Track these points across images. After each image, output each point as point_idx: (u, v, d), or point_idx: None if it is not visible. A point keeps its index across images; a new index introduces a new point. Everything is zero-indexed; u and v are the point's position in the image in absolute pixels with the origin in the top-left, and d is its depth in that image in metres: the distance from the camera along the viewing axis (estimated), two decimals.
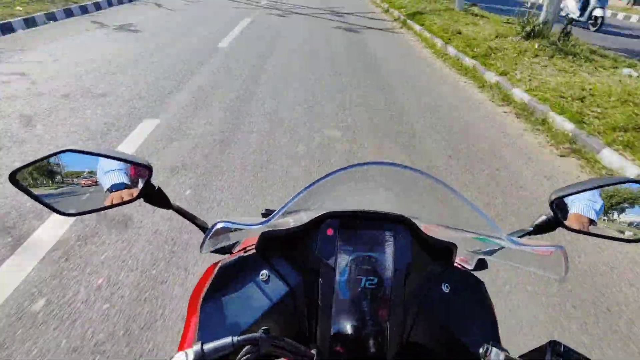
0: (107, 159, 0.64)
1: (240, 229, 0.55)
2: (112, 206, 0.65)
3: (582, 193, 0.67)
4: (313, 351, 0.54)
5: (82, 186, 0.64)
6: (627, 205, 0.69)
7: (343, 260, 0.61)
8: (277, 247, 0.66)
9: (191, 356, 0.46)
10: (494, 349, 0.47)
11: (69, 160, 0.63)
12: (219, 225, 0.52)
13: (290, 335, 0.56)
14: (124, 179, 0.66)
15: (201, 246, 0.55)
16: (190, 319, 0.66)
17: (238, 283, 0.65)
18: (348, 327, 0.60)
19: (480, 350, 0.48)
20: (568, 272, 0.50)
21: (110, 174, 0.65)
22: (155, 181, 0.67)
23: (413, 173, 0.53)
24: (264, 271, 0.65)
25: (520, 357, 0.47)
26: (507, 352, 0.48)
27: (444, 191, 0.53)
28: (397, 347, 0.61)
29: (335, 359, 0.61)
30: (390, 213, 0.63)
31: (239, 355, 0.48)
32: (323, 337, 0.61)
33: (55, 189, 0.64)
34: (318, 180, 0.52)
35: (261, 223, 0.54)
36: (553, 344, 0.44)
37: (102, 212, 0.66)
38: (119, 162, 0.64)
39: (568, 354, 0.43)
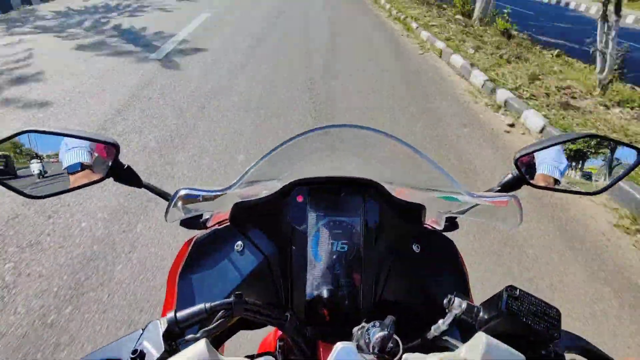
0: (70, 139, 0.63)
1: (206, 197, 0.55)
2: (79, 187, 0.65)
3: (547, 152, 0.69)
4: (287, 313, 0.56)
5: (46, 168, 0.63)
6: (588, 159, 0.71)
7: (314, 225, 0.63)
8: (250, 217, 0.66)
9: (165, 324, 0.48)
10: (457, 299, 0.50)
11: (31, 140, 0.62)
12: (182, 192, 0.52)
13: (267, 302, 0.58)
14: (87, 159, 0.65)
15: (166, 214, 0.55)
16: (169, 292, 0.67)
17: (214, 255, 0.66)
18: (322, 290, 0.62)
19: (445, 301, 0.50)
20: (522, 220, 0.53)
21: (73, 153, 0.64)
22: (123, 158, 0.67)
23: (376, 135, 0.53)
24: (239, 242, 0.66)
25: (481, 304, 0.49)
26: (470, 300, 0.50)
27: (408, 152, 0.54)
28: (370, 306, 0.63)
29: (311, 320, 0.63)
30: (358, 177, 0.64)
31: (213, 320, 0.49)
32: (298, 301, 0.62)
33: (20, 171, 0.63)
34: (282, 144, 0.52)
35: (225, 189, 0.54)
36: (509, 289, 0.46)
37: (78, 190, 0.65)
38: (82, 141, 0.63)
39: (523, 297, 0.46)
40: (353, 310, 0.63)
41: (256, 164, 0.53)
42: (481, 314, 0.48)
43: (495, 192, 0.71)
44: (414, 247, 0.67)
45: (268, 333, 1.05)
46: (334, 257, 0.63)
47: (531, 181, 0.70)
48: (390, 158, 0.61)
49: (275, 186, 0.66)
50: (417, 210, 0.67)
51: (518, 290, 0.46)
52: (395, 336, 0.44)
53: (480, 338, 0.42)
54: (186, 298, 0.62)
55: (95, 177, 0.66)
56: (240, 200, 0.66)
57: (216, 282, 0.63)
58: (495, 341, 0.42)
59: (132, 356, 0.43)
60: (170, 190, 0.74)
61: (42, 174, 0.63)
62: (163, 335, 0.46)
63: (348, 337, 0.66)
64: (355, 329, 0.54)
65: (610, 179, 0.68)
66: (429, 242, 0.69)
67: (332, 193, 0.64)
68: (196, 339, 0.47)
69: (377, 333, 0.45)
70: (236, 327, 0.67)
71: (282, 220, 0.65)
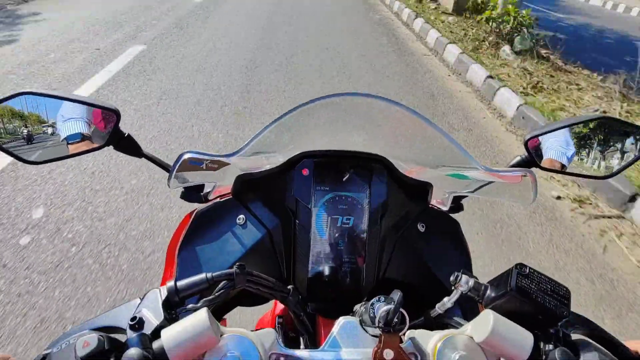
0: (70, 103, 0.61)
1: (211, 161, 0.54)
2: (77, 154, 0.63)
3: (555, 135, 0.68)
4: (290, 287, 0.55)
5: (45, 132, 0.62)
6: (598, 141, 0.70)
7: (319, 200, 0.61)
8: (253, 190, 0.65)
9: (164, 292, 0.46)
10: (464, 276, 0.49)
11: (29, 103, 0.60)
12: (186, 156, 0.50)
13: (269, 276, 0.57)
14: (86, 129, 0.63)
15: (168, 180, 0.54)
16: (169, 265, 0.66)
17: (215, 228, 0.65)
18: (325, 266, 0.61)
19: (451, 278, 0.49)
20: (537, 196, 0.51)
21: (73, 122, 0.62)
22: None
23: (388, 104, 0.52)
24: (241, 215, 0.64)
25: (488, 282, 0.48)
26: (477, 278, 0.49)
27: (420, 123, 0.52)
28: (372, 283, 0.62)
29: (313, 296, 0.62)
30: (366, 152, 0.63)
31: (215, 291, 0.48)
32: (301, 276, 0.61)
33: (16, 134, 0.61)
34: (288, 112, 0.50)
35: (231, 154, 0.53)
36: (519, 267, 0.45)
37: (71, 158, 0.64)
38: (83, 106, 0.61)
39: (532, 274, 0.45)
40: (355, 287, 0.62)
41: (261, 132, 0.52)
42: (488, 291, 0.47)
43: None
44: (419, 227, 0.66)
45: (265, 313, 1.04)
46: (338, 233, 0.61)
47: (540, 164, 0.69)
48: (400, 130, 0.60)
49: (278, 159, 0.64)
50: (424, 188, 0.65)
51: (528, 268, 0.45)
52: (402, 310, 0.43)
53: (488, 315, 0.41)
54: (186, 270, 0.61)
55: (94, 144, 0.64)
56: (243, 173, 0.64)
57: (217, 255, 0.62)
58: (502, 318, 0.41)
59: (131, 323, 0.42)
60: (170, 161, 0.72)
61: (40, 138, 0.61)
62: (163, 304, 0.45)
63: (349, 313, 0.65)
64: (357, 306, 0.53)
65: (621, 162, 0.67)
66: (435, 222, 0.67)
67: (339, 167, 0.63)
68: (196, 309, 0.46)
69: (382, 307, 0.44)
70: (235, 301, 0.67)
71: (286, 194, 0.63)
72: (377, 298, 0.48)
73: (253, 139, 0.52)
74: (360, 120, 0.61)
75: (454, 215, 0.73)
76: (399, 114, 0.53)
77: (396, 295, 0.44)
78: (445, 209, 0.71)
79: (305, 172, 0.61)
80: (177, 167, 0.51)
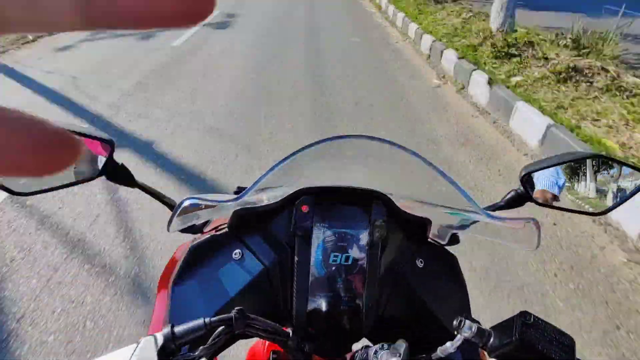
0: None
1: (211, 206, 0.53)
2: (69, 185, 0.61)
3: (547, 170, 0.69)
4: (289, 330, 0.53)
5: None
6: (591, 178, 0.71)
7: (318, 237, 0.60)
8: (250, 225, 0.64)
9: (161, 339, 0.44)
10: (467, 321, 0.48)
11: None
12: (186, 203, 0.49)
13: (265, 314, 0.55)
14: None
15: (168, 224, 0.52)
16: (160, 302, 0.64)
17: (210, 263, 0.63)
18: (324, 305, 0.59)
19: (454, 323, 0.49)
20: (540, 243, 0.51)
21: None
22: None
23: (389, 147, 0.51)
24: (237, 250, 0.63)
25: (491, 327, 0.47)
26: (479, 323, 0.48)
27: (421, 165, 0.52)
28: (373, 322, 0.61)
29: (312, 337, 0.61)
30: (365, 188, 0.62)
31: (212, 336, 0.47)
32: (299, 315, 0.60)
33: None
34: (292, 155, 0.49)
35: (233, 200, 0.52)
36: (523, 315, 0.45)
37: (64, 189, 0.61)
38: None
39: (537, 323, 0.44)
40: (354, 326, 0.60)
41: (264, 175, 0.51)
42: (492, 339, 0.46)
43: (500, 207, 0.71)
44: (418, 262, 0.65)
45: (255, 342, 1.02)
46: (337, 270, 0.60)
47: (534, 197, 0.70)
48: (399, 167, 0.60)
49: (277, 194, 0.63)
50: (423, 224, 0.65)
51: (532, 316, 0.45)
52: None
53: None
54: (181, 308, 0.58)
55: (86, 175, 0.62)
56: (241, 207, 0.63)
57: (213, 292, 0.60)
58: None
59: None
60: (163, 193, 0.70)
61: None
62: (158, 353, 0.43)
63: (346, 353, 0.64)
64: (359, 348, 0.52)
65: (615, 200, 0.68)
66: (433, 257, 0.67)
67: (339, 203, 0.62)
68: (194, 359, 0.44)
69: (389, 357, 0.43)
70: (230, 341, 0.65)
71: (284, 230, 0.62)
72: (380, 345, 0.47)
73: (256, 183, 0.51)
74: (360, 157, 0.61)
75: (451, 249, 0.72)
76: (399, 155, 0.53)
77: (401, 347, 0.43)
78: (443, 243, 0.71)
79: (305, 208, 0.60)
80: (177, 212, 0.50)
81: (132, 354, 0.43)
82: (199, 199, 0.50)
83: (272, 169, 0.50)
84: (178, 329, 0.45)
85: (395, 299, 0.62)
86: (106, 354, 0.43)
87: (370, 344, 0.56)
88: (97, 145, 0.63)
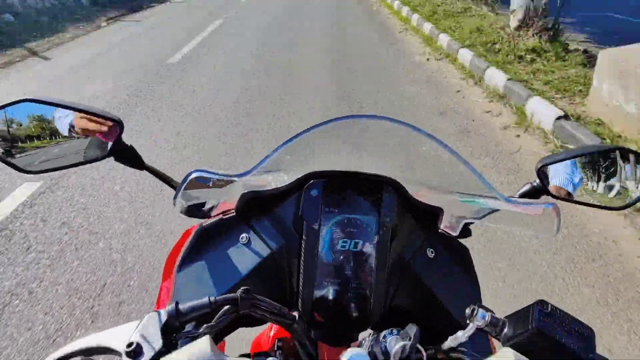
0: (72, 111, 0.58)
1: (219, 181, 0.52)
2: (77, 164, 0.61)
3: (564, 163, 0.67)
4: (295, 313, 0.52)
5: (44, 140, 0.59)
6: (609, 172, 0.69)
7: (327, 222, 0.59)
8: (258, 209, 0.63)
9: (164, 316, 0.44)
10: (480, 310, 0.46)
11: (29, 111, 0.57)
12: (193, 175, 0.48)
13: (271, 299, 0.54)
14: (87, 137, 0.61)
15: (174, 198, 0.51)
16: (166, 282, 0.63)
17: (217, 246, 0.62)
18: (330, 291, 0.58)
19: (467, 311, 0.47)
20: (560, 229, 0.49)
21: (74, 128, 0.60)
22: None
23: (404, 127, 0.50)
24: (244, 234, 0.62)
25: (506, 317, 0.46)
26: (493, 312, 0.47)
27: (435, 147, 0.51)
28: (380, 311, 0.59)
29: (318, 324, 0.59)
30: (376, 174, 0.61)
31: (217, 315, 0.46)
32: (305, 301, 0.59)
33: (15, 142, 0.58)
34: (302, 133, 0.48)
35: (241, 174, 0.51)
36: (540, 303, 0.43)
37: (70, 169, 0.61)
38: (85, 114, 0.59)
39: (554, 313, 0.42)
40: (361, 314, 0.59)
41: (272, 153, 0.50)
42: (506, 328, 0.44)
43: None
44: (429, 252, 0.64)
45: (260, 332, 1.01)
46: (345, 256, 0.59)
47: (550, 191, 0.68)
48: (415, 154, 0.58)
49: (284, 178, 0.62)
50: (435, 213, 0.63)
51: (550, 305, 0.43)
52: (418, 346, 0.41)
53: (507, 354, 0.39)
54: (185, 290, 0.58)
55: (95, 155, 0.62)
56: (248, 191, 0.62)
57: (219, 274, 0.59)
58: (524, 358, 0.39)
59: (127, 350, 0.39)
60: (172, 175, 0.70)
61: (39, 147, 0.59)
62: (162, 329, 0.43)
63: (352, 341, 0.62)
64: (367, 336, 0.50)
65: (636, 194, 0.65)
66: (444, 247, 0.65)
67: (349, 189, 0.61)
68: (198, 336, 0.43)
69: (397, 342, 0.42)
70: (235, 324, 0.64)
71: (292, 214, 0.61)
72: (389, 331, 0.46)
73: (264, 160, 0.50)
74: (372, 141, 0.60)
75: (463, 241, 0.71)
76: (413, 136, 0.51)
77: (412, 330, 0.41)
78: (454, 234, 0.69)
79: (314, 193, 0.59)
80: (184, 185, 0.49)
81: (136, 329, 0.42)
82: (206, 171, 0.49)
83: (280, 146, 0.49)
84: (183, 306, 0.44)
85: (403, 288, 0.61)
86: (110, 329, 0.43)
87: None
88: (107, 126, 0.62)
